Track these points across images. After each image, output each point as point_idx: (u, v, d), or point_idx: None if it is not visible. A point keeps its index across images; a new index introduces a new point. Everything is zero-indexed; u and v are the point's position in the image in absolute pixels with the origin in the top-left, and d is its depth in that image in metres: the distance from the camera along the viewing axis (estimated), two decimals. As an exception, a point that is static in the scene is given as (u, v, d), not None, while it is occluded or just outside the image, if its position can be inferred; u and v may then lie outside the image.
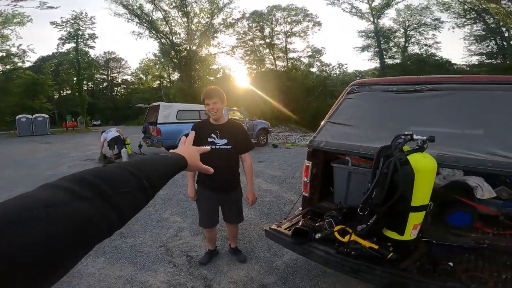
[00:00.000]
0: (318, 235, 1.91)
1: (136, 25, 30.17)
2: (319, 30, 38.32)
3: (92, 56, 37.10)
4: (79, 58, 32.30)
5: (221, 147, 2.21)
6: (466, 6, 25.64)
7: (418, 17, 30.54)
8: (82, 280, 2.39)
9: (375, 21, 31.62)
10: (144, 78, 50.74)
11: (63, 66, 33.86)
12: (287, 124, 32.36)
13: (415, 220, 1.64)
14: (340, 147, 2.29)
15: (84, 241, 0.36)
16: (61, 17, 37.37)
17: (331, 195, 2.65)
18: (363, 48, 33.34)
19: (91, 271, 2.51)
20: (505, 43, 25.48)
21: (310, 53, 38.37)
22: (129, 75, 55.04)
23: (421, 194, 1.60)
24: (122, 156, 7.48)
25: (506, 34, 25.07)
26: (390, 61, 32.86)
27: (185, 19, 30.98)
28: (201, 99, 2.23)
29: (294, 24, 36.77)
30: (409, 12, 30.72)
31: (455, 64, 29.95)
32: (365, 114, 2.52)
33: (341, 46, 58.63)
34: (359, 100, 2.62)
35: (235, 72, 38.30)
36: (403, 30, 31.82)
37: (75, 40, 31.77)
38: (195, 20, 31.68)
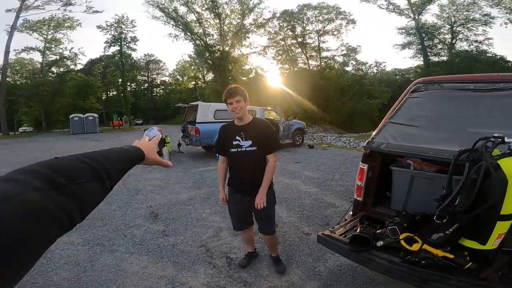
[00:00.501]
0: (380, 243, 1.79)
1: (172, 27, 31.52)
2: (353, 28, 36.80)
3: (134, 58, 39.39)
4: (123, 60, 34.34)
5: (246, 149, 2.09)
6: None
7: (465, 13, 27.85)
8: (127, 279, 2.45)
9: (416, 18, 29.41)
10: (181, 79, 53.01)
11: (109, 68, 36.39)
12: (320, 124, 31.50)
13: (501, 229, 1.51)
14: (405, 149, 2.11)
15: (40, 232, 0.35)
16: (106, 21, 40.36)
17: (386, 200, 2.49)
18: (404, 46, 31.30)
19: (135, 269, 2.58)
20: None
21: (344, 52, 36.91)
22: (167, 76, 58.06)
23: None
24: (164, 154, 7.79)
25: None
26: (435, 59, 30.36)
27: (217, 21, 31.70)
28: (223, 99, 2.09)
29: (327, 22, 35.66)
30: (454, 8, 28.12)
31: (510, 61, 26.88)
32: (434, 114, 2.30)
33: (378, 44, 55.55)
34: (426, 98, 2.41)
35: (267, 72, 38.20)
36: (448, 26, 29.20)
37: (119, 43, 33.82)
38: (227, 21, 32.30)
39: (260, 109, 9.79)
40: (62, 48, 32.00)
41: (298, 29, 36.42)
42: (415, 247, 1.66)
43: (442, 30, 29.79)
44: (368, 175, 2.35)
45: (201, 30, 32.00)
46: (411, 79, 38.56)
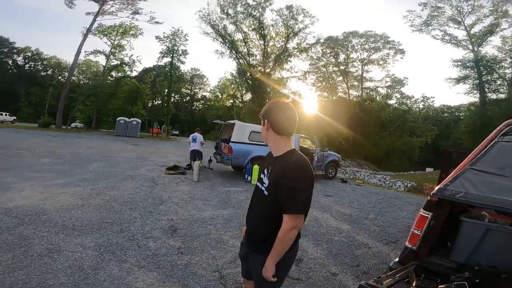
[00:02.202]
0: None
1: (220, 44, 33.47)
2: (401, 58, 35.27)
3: (182, 71, 41.55)
4: (172, 72, 36.27)
5: (263, 189, 1.52)
6: None
7: None
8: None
9: (475, 50, 27.46)
10: (220, 96, 55.19)
11: (159, 78, 38.92)
12: (354, 158, 30.14)
13: None
14: (495, 202, 1.82)
15: None
16: (164, 33, 43.23)
17: (442, 249, 2.23)
18: (459, 80, 28.87)
19: (139, 285, 2.39)
20: None
21: (389, 83, 35.74)
22: (207, 92, 61.02)
23: None
24: (194, 169, 7.84)
25: None
26: (493, 96, 27.77)
27: (262, 42, 32.99)
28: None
29: (373, 51, 34.98)
30: None
31: None
32: None
33: (429, 76, 52.92)
34: None
35: (305, 98, 38.17)
36: (510, 60, 26.69)
37: (171, 55, 35.87)
38: (271, 43, 33.43)
39: (296, 136, 9.53)
40: (123, 54, 35.23)
41: (342, 57, 36.24)
42: None
43: (503, 64, 27.18)
44: (430, 224, 2.11)
45: (245, 50, 33.50)
46: (461, 117, 35.84)
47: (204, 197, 5.91)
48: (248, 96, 43.62)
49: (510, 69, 26.98)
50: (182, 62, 37.28)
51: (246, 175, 8.27)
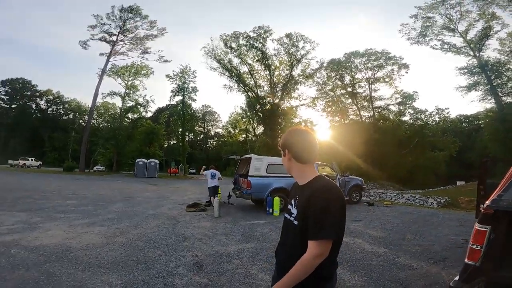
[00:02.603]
0: None
1: (227, 78, 34.51)
2: (406, 73, 34.57)
3: (194, 108, 41.90)
4: (184, 110, 36.54)
5: (292, 219, 1.43)
6: None
7: None
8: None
9: (477, 55, 26.95)
10: (233, 131, 55.85)
11: (173, 117, 39.53)
12: (376, 180, 28.94)
13: None
14: None
15: None
16: (173, 71, 44.40)
17: (509, 262, 1.97)
18: (470, 87, 27.93)
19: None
20: None
21: (399, 100, 35.13)
22: (220, 128, 62.02)
23: None
24: (214, 205, 7.75)
25: None
26: (508, 99, 26.56)
27: (267, 72, 33.94)
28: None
29: (376, 69, 34.83)
30: None
31: None
32: None
33: (438, 88, 51.56)
34: None
35: (317, 125, 38.02)
36: None
37: (182, 93, 36.21)
38: (276, 72, 34.27)
39: (315, 165, 9.33)
40: (137, 95, 36.64)
41: (347, 78, 36.23)
42: None
43: (508, 66, 26.22)
44: (490, 238, 1.96)
45: (252, 82, 34.40)
46: (482, 125, 34.22)
47: (227, 232, 5.73)
48: (260, 129, 44.05)
49: None
50: (193, 100, 37.47)
51: (267, 208, 8.09)
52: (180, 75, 35.68)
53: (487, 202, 2.01)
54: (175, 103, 37.96)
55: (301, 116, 37.91)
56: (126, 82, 36.07)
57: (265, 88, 34.90)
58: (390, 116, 35.87)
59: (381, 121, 35.31)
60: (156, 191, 14.32)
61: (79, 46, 34.44)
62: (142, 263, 3.56)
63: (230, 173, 38.46)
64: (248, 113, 42.38)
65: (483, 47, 26.83)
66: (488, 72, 26.25)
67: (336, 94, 37.00)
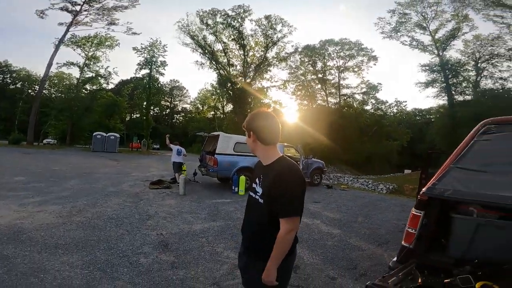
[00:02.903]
0: None
1: (200, 55, 33.44)
2: (374, 65, 36.74)
3: (161, 82, 40.23)
4: (151, 84, 34.95)
5: (257, 198, 1.52)
6: None
7: (489, 48, 26.98)
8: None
9: (441, 54, 29.17)
10: (201, 108, 54.50)
11: (137, 90, 37.33)
12: (336, 164, 30.75)
13: None
14: (479, 197, 1.94)
15: None
16: (141, 43, 41.60)
17: (438, 246, 2.29)
18: (428, 84, 30.31)
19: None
20: None
21: (364, 90, 37.14)
22: (188, 103, 60.07)
23: None
24: (179, 182, 7.66)
25: None
26: (460, 98, 29.35)
27: (241, 52, 33.42)
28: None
29: (348, 58, 36.23)
30: (478, 43, 27.50)
31: None
32: (508, 159, 2.14)
33: (400, 81, 55.13)
34: (497, 141, 2.23)
35: (286, 107, 38.70)
36: (473, 63, 28.38)
37: (149, 66, 34.58)
38: (251, 53, 33.89)
39: (280, 146, 9.60)
40: (99, 66, 33.67)
41: (319, 65, 37.20)
42: None
43: (466, 67, 28.81)
44: (423, 223, 2.18)
45: (225, 60, 33.69)
46: (432, 119, 37.76)
47: (192, 210, 5.76)
48: (229, 107, 43.59)
49: (474, 71, 28.72)
50: (161, 74, 36.30)
51: (233, 187, 8.18)
52: (149, 48, 33.89)
53: (423, 189, 2.21)
54: (141, 76, 36.15)
55: (271, 97, 38.22)
56: (86, 53, 32.65)
57: (238, 67, 34.43)
58: (354, 104, 37.76)
59: (346, 108, 36.99)
60: (116, 166, 13.65)
61: (35, 16, 29.73)
62: (104, 243, 3.48)
63: (196, 150, 37.87)
64: (219, 91, 41.42)
65: (447, 47, 28.82)
66: (446, 71, 28.44)
67: (307, 79, 37.88)
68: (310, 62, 36.71)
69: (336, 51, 36.20)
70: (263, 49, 33.39)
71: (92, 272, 2.67)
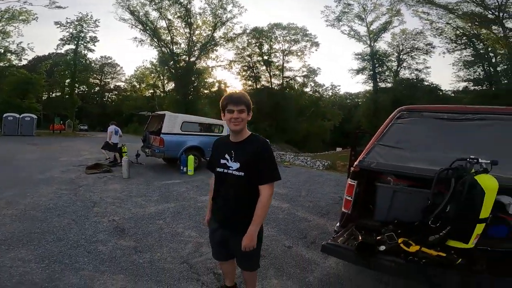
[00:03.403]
0: (382, 248, 1.96)
1: (140, 31, 30.51)
2: (316, 50, 39.58)
3: (90, 59, 36.54)
4: (77, 61, 31.58)
5: (233, 172, 1.67)
6: (458, 32, 26.64)
7: (411, 42, 31.35)
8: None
9: (372, 44, 32.53)
10: (138, 86, 50.15)
11: (58, 67, 32.96)
12: (278, 143, 32.41)
13: (478, 230, 1.86)
14: (394, 168, 2.35)
15: None
16: (67, 18, 36.63)
17: (368, 212, 2.71)
18: (358, 71, 33.85)
19: (112, 290, 2.23)
20: (492, 70, 26.21)
21: (305, 73, 39.31)
22: (122, 81, 54.41)
23: (486, 209, 1.82)
24: (123, 165, 7.16)
25: (494, 60, 26.01)
26: (382, 85, 33.52)
27: (187, 30, 31.49)
28: (222, 104, 1.70)
29: (293, 43, 37.66)
30: (403, 36, 31.60)
31: (441, 90, 30.52)
32: (416, 138, 2.61)
33: (337, 67, 59.91)
34: (408, 124, 2.73)
35: (230, 87, 38.50)
36: (396, 54, 32.63)
37: (75, 42, 31.09)
38: (197, 31, 32.26)
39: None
40: (9, 42, 28.06)
41: (266, 47, 37.78)
42: (413, 249, 1.90)
43: (390, 58, 32.96)
44: (356, 191, 2.55)
45: (169, 38, 31.42)
46: (359, 103, 42.64)
47: (142, 193, 5.55)
48: (170, 86, 41.16)
49: (395, 62, 33.03)
50: (91, 50, 32.79)
51: (181, 167, 8.01)
52: (76, 23, 30.05)
53: (356, 162, 2.61)
54: (64, 52, 32.06)
55: (216, 77, 37.48)
56: (-6, 27, 26.37)
57: (182, 45, 32.41)
58: (296, 87, 39.79)
59: (288, 89, 38.72)
60: (38, 151, 11.84)
61: None
62: (50, 234, 3.18)
63: (132, 130, 35.10)
64: (159, 69, 38.55)
65: (378, 38, 32.18)
66: (374, 61, 31.93)
67: (252, 60, 38.17)
68: (257, 44, 37.06)
69: (282, 35, 37.24)
70: (210, 28, 32.03)
71: (49, 265, 2.47)
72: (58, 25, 29.95)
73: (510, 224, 2.21)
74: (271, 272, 2.66)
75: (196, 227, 3.73)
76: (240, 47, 36.69)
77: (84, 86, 44.96)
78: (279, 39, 37.41)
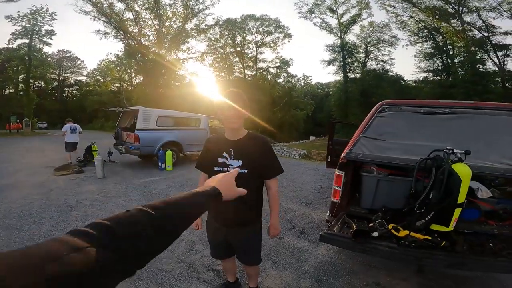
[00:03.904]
0: (375, 234, 2.11)
1: (103, 24, 28.68)
2: (288, 41, 39.90)
3: (46, 53, 34.39)
4: (31, 55, 29.62)
5: (229, 170, 1.60)
6: (420, 25, 28.63)
7: (378, 34, 33.10)
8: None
9: (342, 36, 33.64)
10: (102, 80, 47.25)
11: (10, 63, 30.55)
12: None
13: (456, 214, 2.03)
14: (378, 158, 2.51)
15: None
16: (19, 11, 34.14)
17: (355, 200, 2.89)
18: (330, 62, 35.05)
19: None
20: (449, 61, 28.49)
21: (278, 64, 39.57)
22: (84, 75, 50.89)
23: (463, 194, 1.99)
24: (96, 164, 6.79)
25: (451, 52, 28.29)
26: (351, 75, 34.99)
27: (156, 22, 30.05)
28: (218, 103, 1.70)
29: (266, 34, 37.76)
30: (371, 29, 33.18)
31: (404, 80, 32.69)
32: (396, 130, 2.80)
33: (309, 58, 60.95)
34: (389, 118, 2.92)
35: (203, 79, 37.70)
36: (364, 46, 34.21)
37: (29, 36, 29.23)
38: (167, 23, 30.93)
39: (205, 117, 9.50)
40: None
41: (238, 39, 37.54)
42: (402, 233, 2.07)
43: (359, 49, 34.56)
44: (344, 181, 2.68)
45: (136, 30, 29.89)
46: (330, 93, 44.19)
47: (121, 193, 5.35)
48: (138, 79, 39.27)
49: (363, 54, 34.49)
50: (47, 44, 30.71)
51: (159, 163, 7.79)
52: (30, 16, 28.14)
53: (343, 154, 2.69)
54: (16, 47, 29.84)
55: (187, 69, 36.37)
56: None
57: (151, 37, 30.98)
58: (269, 77, 39.97)
59: (261, 80, 38.76)
60: (-4, 154, 10.83)
61: None
62: (32, 243, 2.95)
63: (98, 127, 33.15)
64: (125, 62, 36.51)
65: (348, 31, 33.38)
66: (344, 52, 33.06)
67: (225, 52, 37.77)
68: (230, 36, 36.73)
69: (256, 27, 37.18)
70: (181, 20, 30.84)
71: None
72: (9, 19, 27.93)
73: (479, 207, 2.48)
74: (268, 264, 2.75)
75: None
76: (213, 38, 36.16)
77: (41, 82, 41.75)
78: (252, 30, 37.37)
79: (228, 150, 1.68)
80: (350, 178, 2.75)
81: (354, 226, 2.22)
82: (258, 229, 1.90)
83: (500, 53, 24.51)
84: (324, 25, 34.17)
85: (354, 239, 2.08)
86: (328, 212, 2.84)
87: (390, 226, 2.14)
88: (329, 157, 5.74)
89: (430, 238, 2.00)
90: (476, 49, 25.15)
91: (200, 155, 1.91)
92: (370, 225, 2.23)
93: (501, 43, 24.20)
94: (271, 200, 1.85)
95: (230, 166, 1.68)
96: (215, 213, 1.82)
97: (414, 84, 31.07)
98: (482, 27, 24.72)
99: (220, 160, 1.69)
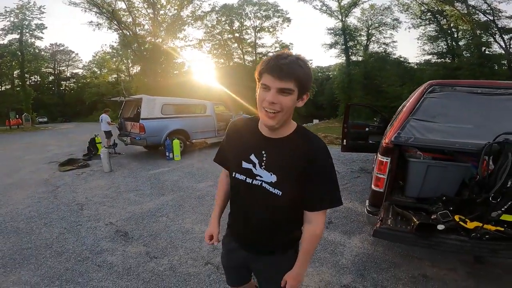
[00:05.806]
0: (441, 227, 1.92)
1: (95, 15, 27.69)
2: (288, 26, 39.34)
3: (39, 47, 34.16)
4: (24, 50, 29.50)
5: (263, 185, 1.06)
6: (423, 8, 27.80)
7: (379, 17, 32.25)
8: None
9: (343, 19, 32.83)
10: (99, 72, 46.73)
11: (4, 59, 30.41)
12: (254, 120, 32.51)
13: None
14: (434, 143, 2.25)
15: None
16: (5, 7, 34.25)
17: (397, 188, 2.65)
18: (331, 45, 34.39)
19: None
20: (454, 44, 27.90)
21: (278, 49, 38.75)
22: (80, 68, 50.32)
23: None
24: (102, 157, 6.55)
25: (456, 35, 27.69)
26: (354, 58, 34.47)
27: (150, 10, 29.15)
28: (256, 74, 1.02)
29: (264, 19, 36.98)
30: (372, 12, 32.28)
31: (408, 62, 32.34)
32: (451, 112, 2.53)
33: (309, 42, 59.73)
34: (443, 98, 2.64)
35: (201, 66, 37.24)
36: (366, 29, 33.51)
37: (19, 31, 28.81)
38: (162, 11, 30.01)
39: (211, 103, 9.19)
40: None
41: (236, 24, 36.75)
42: (470, 225, 1.88)
43: (360, 33, 33.68)
44: (389, 167, 2.43)
45: (130, 19, 28.94)
46: (331, 76, 43.57)
47: (132, 187, 5.12)
48: (136, 69, 38.71)
49: (365, 37, 33.78)
50: (39, 38, 30.45)
51: (166, 152, 7.56)
52: (17, 11, 27.64)
53: (389, 138, 2.43)
54: (7, 42, 29.74)
55: (185, 57, 35.89)
56: None
57: (146, 27, 30.06)
58: (269, 62, 39.38)
59: (261, 65, 38.28)
60: (-2, 151, 10.62)
61: None
62: (46, 249, 2.76)
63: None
64: (121, 52, 35.81)
65: (349, 14, 32.30)
66: (346, 35, 32.39)
67: (223, 38, 37.04)
68: (227, 22, 35.93)
69: (253, 11, 36.33)
70: (176, 7, 29.77)
71: (62, 285, 2.12)
72: (-4, 15, 27.17)
73: None
74: (302, 261, 2.54)
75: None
76: (210, 25, 35.38)
77: (36, 77, 41.51)
78: (250, 15, 36.56)
79: (259, 152, 1.05)
80: (395, 165, 2.49)
81: (415, 220, 1.99)
82: (292, 259, 1.14)
83: (506, 37, 24.16)
84: (324, 8, 33.24)
85: (418, 234, 1.88)
86: (368, 202, 2.65)
87: (456, 218, 1.93)
88: (345, 141, 5.52)
89: (502, 229, 1.82)
90: (482, 32, 24.57)
91: (221, 146, 1.28)
92: (432, 217, 2.01)
93: (506, 27, 23.64)
94: (307, 240, 1.09)
95: (257, 177, 1.06)
96: (232, 226, 1.26)
97: (417, 67, 30.70)
98: (487, 11, 23.97)
99: (245, 164, 1.08)
